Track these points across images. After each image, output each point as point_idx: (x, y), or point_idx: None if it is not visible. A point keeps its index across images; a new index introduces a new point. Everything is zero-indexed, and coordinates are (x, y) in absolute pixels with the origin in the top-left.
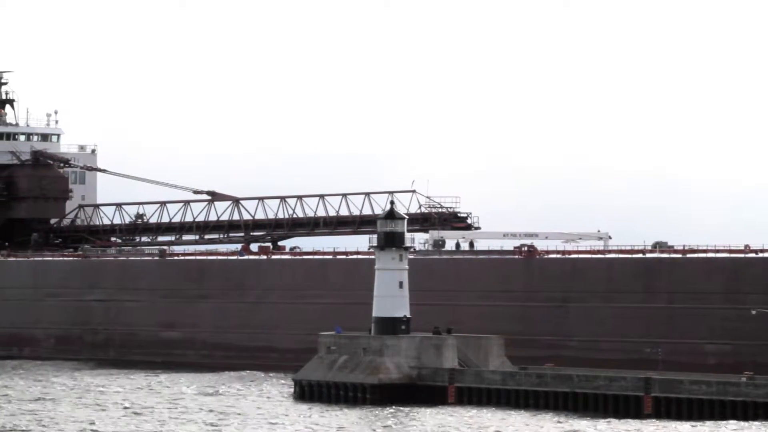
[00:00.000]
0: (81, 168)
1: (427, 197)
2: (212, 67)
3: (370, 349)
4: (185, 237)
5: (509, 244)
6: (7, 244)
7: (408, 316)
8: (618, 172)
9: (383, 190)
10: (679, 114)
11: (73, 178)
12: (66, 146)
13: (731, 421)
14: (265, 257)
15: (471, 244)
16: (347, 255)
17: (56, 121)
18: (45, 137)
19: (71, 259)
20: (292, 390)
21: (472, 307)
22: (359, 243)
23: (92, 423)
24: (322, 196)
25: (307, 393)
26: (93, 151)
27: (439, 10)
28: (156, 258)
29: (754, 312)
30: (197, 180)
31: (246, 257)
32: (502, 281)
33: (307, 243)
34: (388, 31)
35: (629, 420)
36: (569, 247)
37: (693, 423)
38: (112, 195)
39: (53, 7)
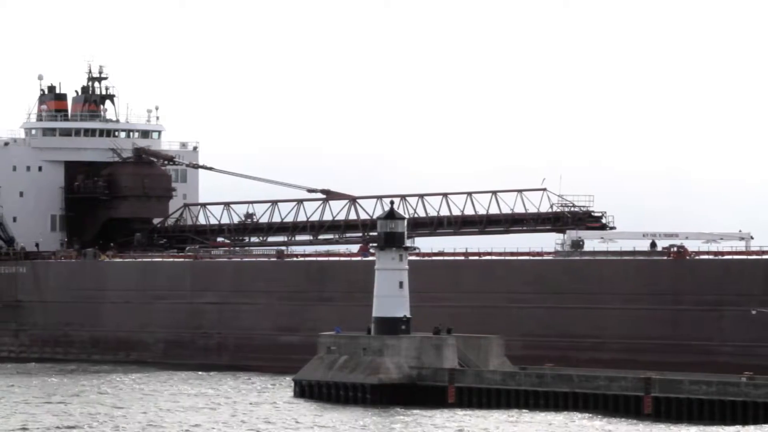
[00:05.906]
0: (186, 166)
1: (559, 196)
2: (313, 64)
3: (370, 349)
4: (298, 237)
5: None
6: (112, 244)
7: (408, 316)
8: (627, 172)
9: (511, 189)
10: (693, 113)
11: (175, 176)
12: (167, 143)
13: (731, 423)
14: None
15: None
16: (480, 256)
17: (157, 117)
18: (146, 134)
19: (182, 260)
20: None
21: (615, 310)
22: (489, 243)
23: None
24: (445, 195)
25: (307, 393)
26: (195, 148)
27: (442, 10)
28: (273, 259)
29: (753, 312)
30: (310, 178)
31: (370, 258)
32: (649, 283)
33: (427, 244)
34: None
35: (629, 420)
36: (714, 247)
37: (693, 423)
38: (214, 193)
39: (153, 1)
